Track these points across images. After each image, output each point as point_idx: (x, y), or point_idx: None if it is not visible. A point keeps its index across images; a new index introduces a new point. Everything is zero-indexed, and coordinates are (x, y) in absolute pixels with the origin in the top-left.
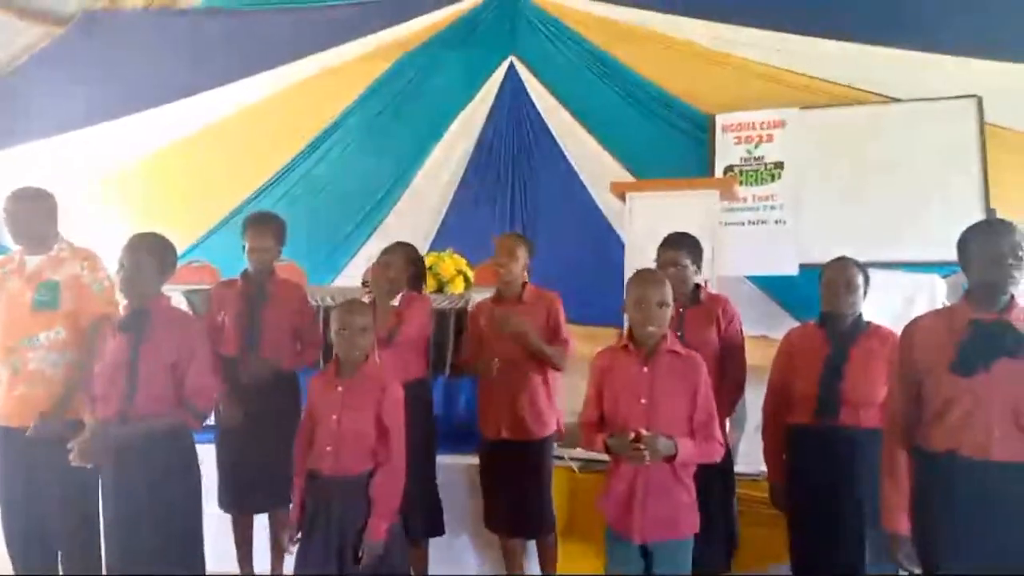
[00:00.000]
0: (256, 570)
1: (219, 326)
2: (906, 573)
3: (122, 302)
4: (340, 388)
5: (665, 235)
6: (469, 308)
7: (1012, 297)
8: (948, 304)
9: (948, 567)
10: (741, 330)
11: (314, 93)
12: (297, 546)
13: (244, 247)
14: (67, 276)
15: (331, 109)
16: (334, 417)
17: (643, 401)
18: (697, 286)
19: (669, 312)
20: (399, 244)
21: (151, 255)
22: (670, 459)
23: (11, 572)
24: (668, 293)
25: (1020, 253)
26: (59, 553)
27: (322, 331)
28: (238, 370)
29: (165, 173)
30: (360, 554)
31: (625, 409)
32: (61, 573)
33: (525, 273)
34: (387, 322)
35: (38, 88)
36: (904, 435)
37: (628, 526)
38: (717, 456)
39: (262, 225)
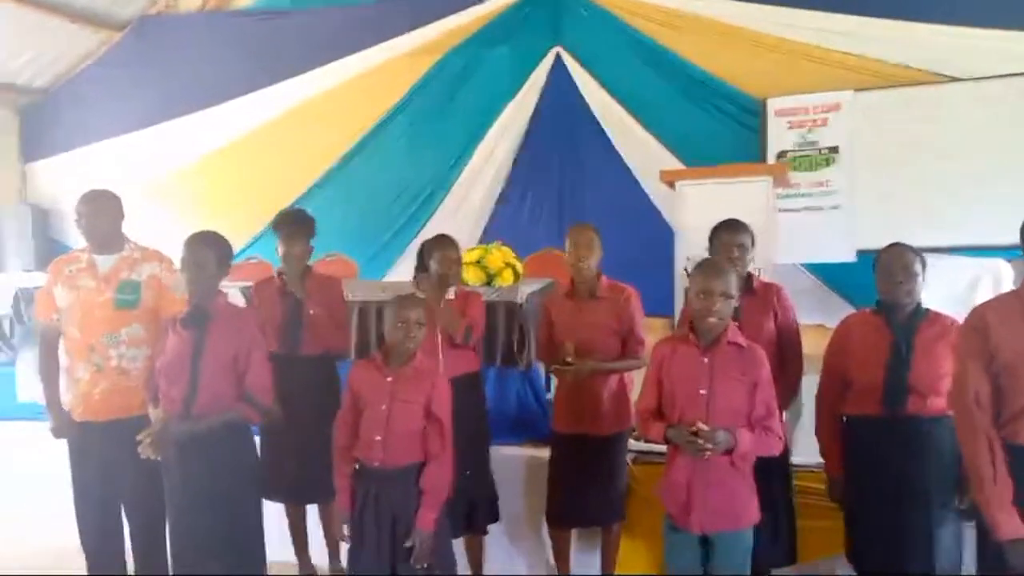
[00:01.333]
0: (315, 560)
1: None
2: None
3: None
4: (390, 378)
5: (718, 221)
6: (518, 300)
7: None
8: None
9: None
10: (796, 319)
11: (363, 90)
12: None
13: (278, 250)
14: (147, 276)
15: (381, 105)
16: (383, 407)
17: (702, 392)
18: (749, 274)
19: (732, 303)
20: (446, 236)
21: (212, 252)
22: (728, 452)
23: (81, 567)
24: (733, 284)
25: None
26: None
27: (369, 325)
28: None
29: (222, 172)
30: (411, 544)
31: (684, 399)
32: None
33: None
34: (459, 323)
35: (98, 92)
36: (993, 424)
37: (687, 516)
38: (775, 450)
39: (292, 228)
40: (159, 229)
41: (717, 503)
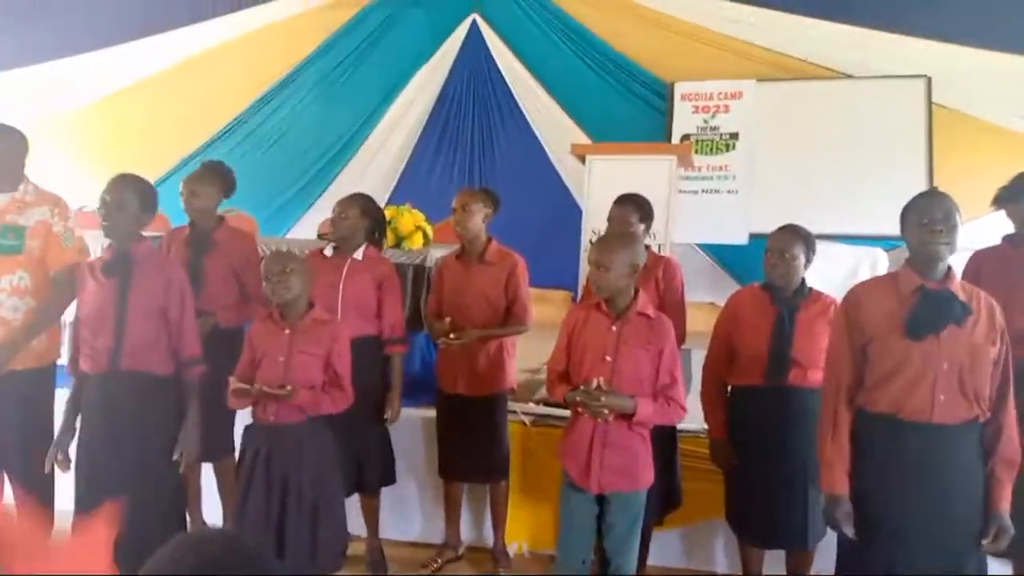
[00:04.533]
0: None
1: None
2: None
3: (96, 247)
4: (287, 331)
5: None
6: (427, 264)
7: (950, 268)
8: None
9: (887, 527)
10: (682, 289)
11: (273, 41)
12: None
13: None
14: (35, 222)
15: (289, 58)
16: (281, 359)
17: (608, 359)
18: (646, 247)
19: (611, 275)
20: (356, 194)
21: (134, 193)
22: (628, 417)
23: None
24: (612, 256)
25: (951, 221)
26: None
27: None
28: None
29: (118, 117)
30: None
31: (590, 365)
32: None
33: (485, 228)
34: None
35: None
36: (847, 396)
37: (587, 477)
38: (677, 418)
39: (198, 171)
40: (48, 171)
41: (616, 464)
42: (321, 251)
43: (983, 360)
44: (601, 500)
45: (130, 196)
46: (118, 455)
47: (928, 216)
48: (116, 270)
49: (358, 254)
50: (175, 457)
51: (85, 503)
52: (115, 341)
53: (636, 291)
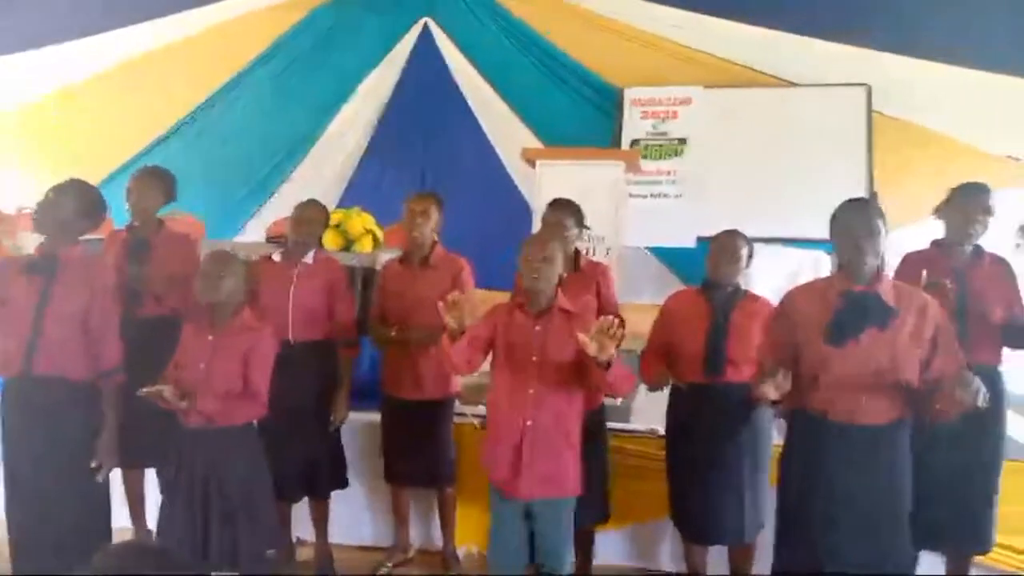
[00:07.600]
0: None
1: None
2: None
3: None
4: (211, 337)
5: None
6: (377, 267)
7: (879, 269)
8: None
9: (816, 521)
10: (616, 296)
11: (222, 41)
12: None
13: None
14: None
15: (238, 59)
16: (201, 366)
17: (534, 358)
18: (576, 252)
19: (553, 268)
20: (310, 200)
21: (71, 199)
22: (603, 367)
23: None
24: (553, 250)
25: (871, 229)
26: None
27: None
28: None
29: (60, 117)
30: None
31: (517, 364)
32: None
33: (435, 233)
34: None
35: None
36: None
37: (515, 485)
38: (628, 383)
39: (139, 172)
40: None
41: (544, 470)
42: (270, 257)
43: (906, 361)
44: (530, 510)
45: (66, 199)
46: (33, 462)
47: (847, 227)
48: (40, 270)
49: (308, 258)
50: (93, 465)
51: (10, 511)
52: (29, 343)
53: (556, 288)
